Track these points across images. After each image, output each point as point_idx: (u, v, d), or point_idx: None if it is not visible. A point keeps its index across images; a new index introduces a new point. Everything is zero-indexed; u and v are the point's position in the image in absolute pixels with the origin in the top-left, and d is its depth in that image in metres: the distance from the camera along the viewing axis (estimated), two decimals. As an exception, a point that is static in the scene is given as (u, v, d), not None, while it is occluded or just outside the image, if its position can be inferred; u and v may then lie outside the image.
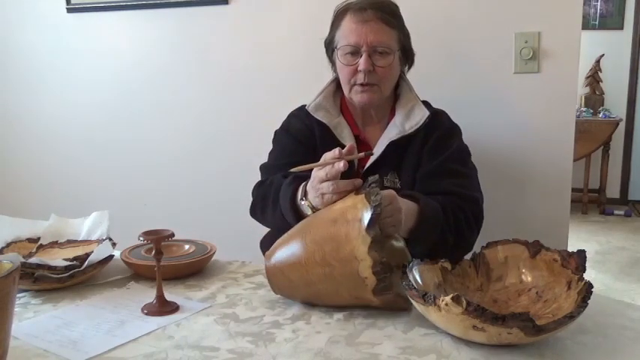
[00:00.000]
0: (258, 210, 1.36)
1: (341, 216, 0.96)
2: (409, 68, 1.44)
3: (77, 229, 1.31)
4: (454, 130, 1.40)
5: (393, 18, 1.32)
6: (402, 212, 1.06)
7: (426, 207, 1.14)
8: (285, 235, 1.04)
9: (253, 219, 1.40)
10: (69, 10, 2.10)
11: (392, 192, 1.06)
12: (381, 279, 0.91)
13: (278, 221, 1.25)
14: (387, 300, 0.94)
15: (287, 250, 1.01)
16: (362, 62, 1.28)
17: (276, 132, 1.47)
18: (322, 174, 1.05)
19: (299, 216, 1.15)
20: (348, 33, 1.31)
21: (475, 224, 1.28)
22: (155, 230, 1.02)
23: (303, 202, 1.14)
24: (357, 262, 0.91)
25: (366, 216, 0.92)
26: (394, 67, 1.33)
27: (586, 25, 4.46)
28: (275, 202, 1.26)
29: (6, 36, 2.21)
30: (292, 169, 1.11)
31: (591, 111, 4.43)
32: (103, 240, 1.24)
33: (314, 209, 1.10)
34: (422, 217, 1.13)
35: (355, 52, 1.30)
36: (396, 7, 1.36)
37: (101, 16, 2.07)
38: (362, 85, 1.31)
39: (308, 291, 1.00)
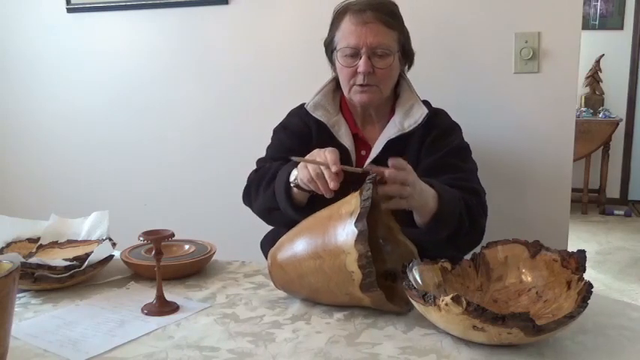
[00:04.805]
0: (252, 190, 1.37)
1: (336, 211, 0.98)
2: (409, 67, 1.44)
3: (77, 229, 1.31)
4: (454, 128, 1.40)
5: (392, 19, 1.31)
6: (417, 188, 1.06)
7: (442, 189, 1.14)
8: (288, 232, 1.06)
9: (246, 205, 1.42)
10: (69, 10, 2.10)
11: (408, 167, 1.07)
12: (367, 274, 0.91)
13: (266, 201, 1.28)
14: (376, 299, 0.93)
15: (286, 244, 1.03)
16: (361, 64, 1.28)
17: (274, 129, 1.48)
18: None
19: (289, 194, 1.20)
20: (348, 35, 1.30)
21: (482, 211, 1.28)
22: (155, 230, 1.02)
23: (293, 177, 1.18)
24: (345, 255, 0.92)
25: (356, 210, 0.93)
26: (394, 68, 1.33)
27: (586, 25, 4.46)
28: (269, 182, 1.28)
29: (6, 36, 2.21)
30: (292, 158, 1.14)
31: (591, 111, 4.43)
32: (103, 240, 1.24)
33: (297, 185, 1.16)
34: (441, 199, 1.12)
35: (355, 54, 1.30)
36: (396, 6, 1.35)
37: (101, 16, 2.07)
38: (361, 85, 1.31)
39: (302, 284, 1.00)
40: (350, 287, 0.94)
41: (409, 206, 1.08)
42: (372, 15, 1.28)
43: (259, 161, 1.45)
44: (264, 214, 1.35)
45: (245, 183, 1.43)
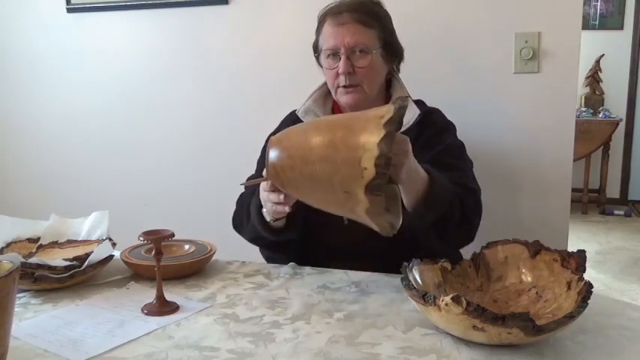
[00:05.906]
0: (238, 223, 1.37)
1: (363, 113, 0.97)
2: (399, 63, 1.43)
3: (77, 229, 1.32)
4: (447, 127, 1.40)
5: (370, 18, 1.32)
6: (408, 157, 1.04)
7: (435, 175, 1.14)
8: (309, 121, 1.08)
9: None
10: (69, 10, 2.10)
11: (406, 137, 1.05)
12: (380, 174, 0.89)
13: (252, 232, 1.28)
14: (375, 203, 0.92)
15: (300, 127, 1.03)
16: (340, 65, 1.30)
17: (266, 140, 1.47)
18: (264, 185, 1.11)
19: (266, 224, 1.20)
20: (328, 37, 1.33)
21: (477, 210, 1.28)
22: (155, 230, 1.02)
23: (264, 210, 1.19)
24: (364, 151, 0.90)
25: (388, 114, 0.91)
26: (375, 67, 1.33)
27: (586, 25, 4.46)
28: (248, 217, 1.28)
29: (6, 36, 2.21)
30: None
31: (591, 111, 4.43)
32: (103, 240, 1.24)
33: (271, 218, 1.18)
34: (432, 182, 1.12)
35: (335, 55, 1.32)
36: (377, 5, 1.36)
37: (101, 16, 2.07)
38: (345, 87, 1.32)
39: (302, 170, 0.96)
40: (354, 185, 0.91)
41: (399, 180, 1.06)
42: (349, 16, 1.30)
43: (248, 179, 1.42)
44: (256, 243, 1.34)
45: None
